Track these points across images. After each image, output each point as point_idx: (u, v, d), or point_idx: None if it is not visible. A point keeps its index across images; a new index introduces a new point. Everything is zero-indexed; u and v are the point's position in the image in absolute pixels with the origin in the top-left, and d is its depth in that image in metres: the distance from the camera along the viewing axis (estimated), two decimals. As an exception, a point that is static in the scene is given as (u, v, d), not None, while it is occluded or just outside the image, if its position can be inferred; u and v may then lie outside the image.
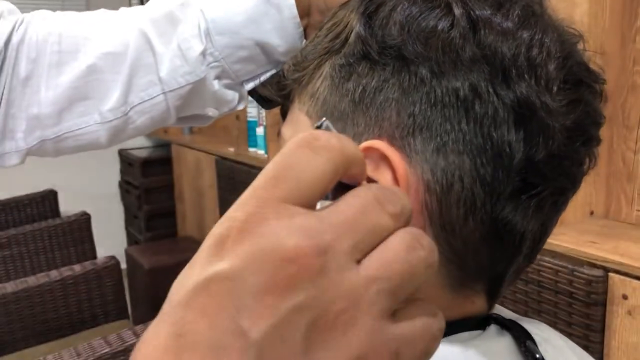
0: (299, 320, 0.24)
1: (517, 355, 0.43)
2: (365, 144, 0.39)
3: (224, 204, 2.83)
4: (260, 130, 2.55)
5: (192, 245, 3.15)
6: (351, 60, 0.42)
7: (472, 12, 0.39)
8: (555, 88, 0.39)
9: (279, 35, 0.63)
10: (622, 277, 1.18)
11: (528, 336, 0.44)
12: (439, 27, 0.39)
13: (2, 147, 0.68)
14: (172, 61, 0.64)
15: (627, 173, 1.39)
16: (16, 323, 2.00)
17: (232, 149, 2.77)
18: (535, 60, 0.39)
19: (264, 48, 0.63)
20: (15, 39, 0.66)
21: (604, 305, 1.21)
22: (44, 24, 0.68)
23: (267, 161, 2.40)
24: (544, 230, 0.44)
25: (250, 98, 0.70)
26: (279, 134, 0.48)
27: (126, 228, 4.00)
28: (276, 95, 0.50)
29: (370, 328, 0.25)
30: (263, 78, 0.67)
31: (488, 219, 0.40)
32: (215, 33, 0.63)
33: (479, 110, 0.38)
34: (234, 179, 2.71)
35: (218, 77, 0.65)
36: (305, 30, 0.64)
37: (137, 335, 1.48)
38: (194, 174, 3.25)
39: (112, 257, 2.22)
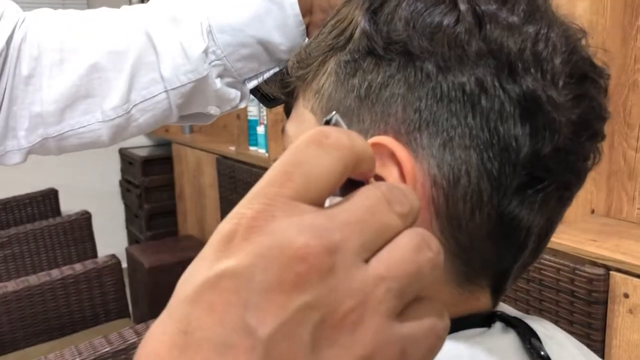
0: (307, 319, 0.24)
1: (522, 353, 0.43)
2: (372, 140, 0.39)
3: (225, 203, 2.83)
4: (261, 129, 2.55)
5: (193, 244, 3.16)
6: (356, 56, 0.42)
7: (477, 7, 0.39)
8: (561, 82, 0.39)
9: (282, 33, 0.63)
10: (623, 276, 1.18)
11: (533, 333, 0.44)
12: (445, 23, 0.39)
13: (4, 146, 0.68)
14: (174, 59, 0.64)
15: (628, 171, 1.39)
16: (17, 322, 2.00)
17: (232, 148, 2.77)
18: (541, 54, 0.39)
19: (266, 46, 0.63)
20: (17, 37, 0.66)
21: (605, 303, 1.21)
22: (46, 23, 0.68)
23: (268, 160, 2.40)
24: (550, 226, 0.44)
25: (251, 96, 0.70)
26: (283, 130, 0.48)
27: (127, 227, 4.00)
28: (280, 92, 0.50)
29: (377, 327, 0.25)
30: (265, 76, 0.67)
31: (494, 214, 0.40)
32: (217, 31, 0.63)
33: (485, 104, 0.38)
34: (234, 178, 2.71)
35: (220, 75, 0.65)
36: (307, 28, 0.64)
37: (138, 334, 1.49)
38: (195, 172, 3.25)
39: (113, 256, 2.22)
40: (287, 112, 0.51)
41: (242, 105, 0.70)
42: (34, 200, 3.09)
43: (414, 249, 0.27)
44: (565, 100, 0.39)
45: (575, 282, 1.23)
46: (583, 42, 0.43)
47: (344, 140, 0.27)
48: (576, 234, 1.31)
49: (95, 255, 2.78)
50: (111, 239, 3.70)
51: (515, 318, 0.45)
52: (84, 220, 2.76)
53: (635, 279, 1.17)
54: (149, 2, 0.68)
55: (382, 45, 0.40)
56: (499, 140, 0.38)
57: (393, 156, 0.38)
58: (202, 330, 0.23)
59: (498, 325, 0.45)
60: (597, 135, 0.43)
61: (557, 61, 0.39)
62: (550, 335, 0.46)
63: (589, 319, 1.22)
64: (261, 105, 2.61)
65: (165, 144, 3.75)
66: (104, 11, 0.69)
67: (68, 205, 3.31)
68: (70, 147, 0.69)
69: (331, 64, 0.44)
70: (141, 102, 0.66)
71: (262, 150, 2.54)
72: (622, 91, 1.37)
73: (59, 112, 0.66)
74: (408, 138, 0.39)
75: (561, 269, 1.25)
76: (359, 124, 0.41)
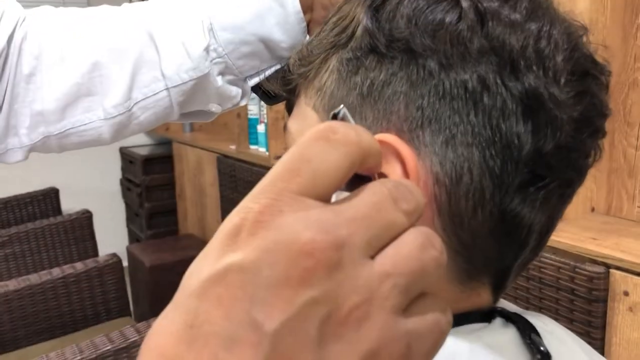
0: (314, 314, 0.24)
1: (522, 348, 0.44)
2: (375, 137, 0.39)
3: (225, 202, 2.84)
4: (261, 128, 2.54)
5: (194, 242, 3.16)
6: (358, 54, 0.42)
7: (479, 5, 0.39)
8: (563, 80, 0.39)
9: (283, 31, 0.63)
10: (623, 274, 1.19)
11: (532, 329, 0.44)
12: (447, 20, 0.39)
13: (6, 144, 0.68)
14: (175, 57, 0.64)
15: (628, 169, 1.39)
16: (19, 321, 2.01)
17: (233, 147, 2.77)
18: (544, 52, 0.39)
19: (267, 43, 0.64)
20: (18, 36, 0.66)
21: (605, 301, 1.21)
22: (47, 21, 0.68)
23: (268, 158, 2.40)
24: (551, 223, 0.44)
25: (252, 95, 0.70)
26: (285, 128, 0.48)
27: (127, 226, 4.00)
28: (282, 90, 0.50)
29: (383, 323, 0.25)
30: (266, 73, 0.67)
31: (496, 211, 0.40)
32: (218, 29, 0.63)
33: (487, 102, 0.38)
34: (235, 176, 2.71)
35: (221, 73, 0.65)
36: (308, 25, 0.64)
37: (139, 332, 1.49)
38: (195, 171, 3.25)
39: (114, 255, 2.22)
40: (289, 109, 0.51)
41: (243, 103, 0.70)
42: (34, 199, 3.09)
43: (420, 247, 0.27)
44: (567, 98, 0.39)
45: (575, 280, 1.23)
46: (584, 39, 0.43)
47: (351, 135, 0.27)
48: (576, 232, 1.31)
49: (96, 254, 2.78)
50: (112, 237, 3.70)
51: (515, 314, 0.46)
52: (85, 219, 2.76)
53: (635, 277, 1.17)
54: (149, 1, 0.68)
55: (384, 42, 0.40)
56: (501, 138, 0.39)
57: (396, 154, 0.38)
58: (209, 324, 0.23)
59: (498, 321, 0.45)
60: (598, 132, 0.43)
61: (559, 58, 0.39)
62: (550, 330, 0.46)
63: (589, 317, 1.22)
64: (262, 103, 2.62)
65: (166, 143, 3.75)
66: (104, 9, 0.70)
67: (69, 204, 3.31)
68: (72, 144, 0.69)
69: (333, 62, 0.44)
70: (142, 99, 0.66)
71: (262, 149, 2.54)
72: (623, 89, 1.37)
73: (60, 110, 0.66)
74: (410, 135, 0.39)
75: (561, 267, 1.25)
76: (361, 121, 0.41)
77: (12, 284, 2.00)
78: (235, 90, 0.67)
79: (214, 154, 2.94)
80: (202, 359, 0.23)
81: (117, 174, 3.97)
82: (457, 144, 0.39)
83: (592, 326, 1.22)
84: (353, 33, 0.43)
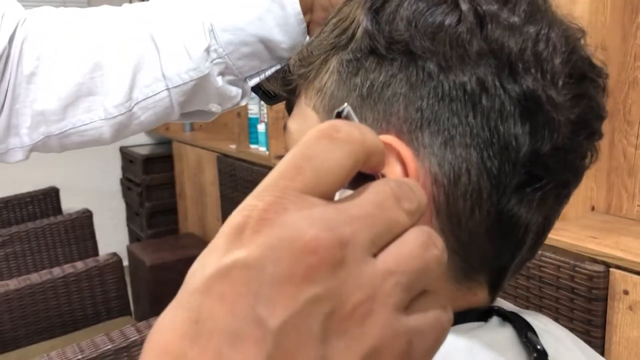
0: (317, 311, 0.24)
1: (519, 346, 0.44)
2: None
3: (226, 201, 2.84)
4: (261, 127, 2.55)
5: (194, 242, 3.17)
6: (358, 56, 0.42)
7: (478, 7, 0.39)
8: (560, 82, 0.40)
9: (283, 32, 0.63)
10: (623, 273, 1.19)
11: (529, 328, 0.45)
12: (446, 22, 0.39)
13: (7, 143, 0.69)
14: (176, 57, 0.64)
15: (628, 168, 1.39)
16: (19, 320, 2.01)
17: (233, 146, 2.77)
18: (542, 54, 0.39)
19: (267, 44, 0.64)
20: (19, 36, 0.66)
21: (605, 300, 1.21)
22: (48, 22, 0.68)
23: (268, 158, 2.40)
24: (547, 223, 0.45)
25: (252, 94, 0.70)
26: (284, 128, 0.49)
27: (128, 225, 4.00)
28: (282, 90, 0.50)
29: (385, 320, 0.26)
30: (267, 74, 0.67)
31: (494, 212, 0.40)
32: (219, 29, 0.63)
33: (486, 104, 0.39)
34: (235, 176, 2.71)
35: (222, 73, 0.65)
36: (308, 26, 0.64)
37: (140, 332, 1.49)
38: (195, 171, 3.25)
39: (114, 254, 2.22)
40: (289, 109, 0.51)
41: (243, 103, 0.70)
42: (35, 199, 3.09)
43: (422, 245, 0.27)
44: (564, 100, 0.40)
45: (575, 279, 1.23)
46: (582, 41, 0.43)
47: (355, 134, 0.27)
48: (576, 231, 1.31)
49: (96, 253, 2.79)
50: (112, 237, 3.71)
51: (512, 313, 0.46)
52: (85, 218, 2.76)
53: (635, 276, 1.17)
54: (150, 1, 0.68)
55: (384, 44, 0.41)
56: (499, 139, 0.39)
57: (397, 155, 0.38)
58: (213, 321, 0.24)
59: (495, 320, 0.45)
60: (595, 134, 0.44)
61: (557, 61, 0.40)
62: (547, 329, 0.47)
63: (588, 315, 1.22)
64: (262, 103, 2.62)
65: (166, 142, 3.76)
66: (105, 10, 0.70)
67: (69, 204, 3.31)
68: (72, 144, 0.69)
69: (333, 63, 0.44)
70: (143, 99, 0.66)
71: (262, 148, 2.54)
72: (622, 88, 1.37)
73: (61, 110, 0.66)
74: (410, 137, 0.40)
75: (561, 266, 1.25)
76: (361, 122, 0.41)
77: (12, 284, 2.00)
78: (236, 91, 0.67)
79: (214, 153, 2.94)
80: (206, 355, 0.23)
81: (117, 174, 3.97)
82: (456, 145, 0.39)
83: (592, 325, 1.22)
84: (353, 35, 0.43)
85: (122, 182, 3.97)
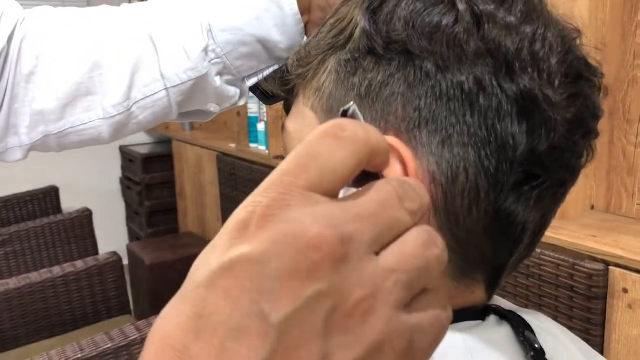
0: (320, 307, 0.24)
1: (516, 345, 0.44)
2: None
3: (225, 200, 2.84)
4: (261, 126, 2.54)
5: (194, 241, 3.17)
6: (357, 56, 0.43)
7: (475, 7, 0.40)
8: (557, 81, 0.40)
9: (280, 32, 0.63)
10: (622, 271, 1.19)
11: (527, 326, 0.45)
12: (444, 23, 0.40)
13: (6, 143, 0.69)
14: (174, 57, 0.64)
15: (627, 167, 1.39)
16: (19, 319, 2.01)
17: (233, 145, 2.77)
18: (538, 54, 0.40)
19: (265, 44, 0.64)
20: (18, 35, 0.66)
21: (605, 298, 1.21)
22: (47, 21, 0.68)
23: (268, 157, 2.40)
24: (544, 221, 0.45)
25: (251, 94, 0.70)
26: (283, 127, 0.49)
27: (127, 224, 4.01)
28: (280, 90, 0.50)
29: (387, 317, 0.26)
30: (265, 74, 0.67)
31: (491, 210, 0.41)
32: (217, 30, 0.63)
33: (483, 103, 0.39)
34: (235, 175, 2.71)
35: (220, 73, 0.65)
36: (306, 26, 0.64)
37: (140, 331, 1.49)
38: (195, 170, 3.25)
39: (114, 253, 2.23)
40: (287, 109, 0.51)
41: (242, 103, 0.70)
42: (35, 198, 3.09)
43: (423, 244, 0.27)
44: (560, 99, 0.40)
45: (574, 278, 1.23)
46: (578, 41, 0.43)
47: (359, 133, 0.28)
48: (576, 230, 1.31)
49: (96, 252, 2.79)
50: (112, 236, 3.71)
51: (510, 311, 0.46)
52: (85, 217, 2.76)
53: (634, 274, 1.17)
54: (149, 1, 0.68)
55: (382, 44, 0.41)
56: (496, 138, 0.39)
57: (397, 154, 0.38)
58: (217, 315, 0.24)
59: (492, 318, 0.46)
60: (591, 133, 0.44)
61: (554, 61, 0.40)
62: (545, 328, 0.47)
63: (588, 314, 1.22)
64: (261, 102, 2.60)
65: (166, 142, 3.76)
66: (104, 9, 0.70)
67: (69, 203, 3.32)
68: (71, 144, 0.69)
69: (331, 63, 0.44)
70: (142, 99, 0.66)
71: (262, 147, 2.54)
72: (622, 87, 1.37)
73: (59, 110, 0.66)
74: (408, 136, 0.40)
75: (561, 264, 1.25)
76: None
77: (12, 282, 2.00)
78: (234, 91, 0.67)
79: (214, 153, 2.94)
80: (210, 349, 0.23)
81: (117, 173, 3.98)
82: (454, 144, 0.39)
83: (591, 323, 1.22)
84: (351, 35, 0.43)
85: (121, 181, 3.97)
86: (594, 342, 1.22)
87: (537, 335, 0.44)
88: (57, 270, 2.09)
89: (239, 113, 2.63)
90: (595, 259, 1.22)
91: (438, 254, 0.28)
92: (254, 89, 0.69)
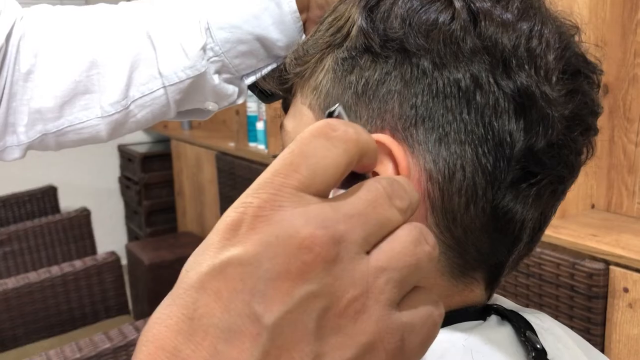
0: (312, 307, 0.25)
1: (518, 345, 0.44)
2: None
3: (225, 199, 2.84)
4: (260, 125, 2.54)
5: (193, 240, 3.16)
6: (353, 54, 0.42)
7: (472, 5, 0.40)
8: (554, 78, 0.40)
9: (279, 30, 0.63)
10: (623, 270, 1.19)
11: (528, 326, 0.45)
12: (440, 20, 0.40)
13: (4, 141, 0.68)
14: (172, 55, 0.64)
15: (628, 166, 1.39)
16: (18, 319, 2.01)
17: (232, 144, 2.77)
18: (535, 51, 0.40)
19: (263, 42, 0.64)
20: (16, 34, 0.66)
21: (605, 298, 1.21)
22: (45, 19, 0.68)
23: (267, 156, 2.40)
24: (544, 219, 0.45)
25: (250, 92, 0.70)
26: (281, 126, 0.49)
27: (126, 224, 4.00)
28: (278, 88, 0.50)
29: (379, 316, 0.26)
30: (263, 72, 0.67)
31: (489, 208, 0.41)
32: (215, 28, 0.63)
33: (480, 100, 0.39)
34: (234, 174, 2.71)
35: (218, 72, 0.65)
36: (304, 24, 0.64)
37: (138, 330, 1.49)
38: (194, 169, 3.25)
39: (113, 253, 2.23)
40: (285, 108, 0.51)
41: (240, 101, 0.70)
42: (33, 198, 3.09)
43: (413, 242, 0.28)
44: (558, 96, 0.40)
45: (575, 277, 1.23)
46: (576, 38, 0.43)
47: (350, 133, 0.28)
48: (576, 229, 1.31)
49: (94, 252, 2.79)
50: (111, 235, 3.71)
51: (511, 311, 0.46)
52: (84, 217, 2.76)
53: (634, 274, 1.17)
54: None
55: (378, 42, 0.41)
56: (493, 136, 0.39)
57: (389, 153, 0.39)
58: (208, 317, 0.24)
59: (494, 319, 0.46)
60: (590, 130, 0.44)
61: (551, 57, 0.40)
62: (546, 327, 0.47)
63: (588, 313, 1.22)
64: (260, 100, 2.60)
65: (165, 141, 3.75)
66: (102, 8, 0.69)
67: (67, 202, 3.31)
68: (69, 142, 0.69)
69: (328, 61, 0.44)
70: (139, 97, 0.66)
71: (261, 146, 2.54)
72: (622, 85, 1.37)
73: (57, 108, 0.66)
74: (404, 134, 0.40)
75: (561, 263, 1.25)
76: (356, 120, 0.42)
77: (11, 282, 2.00)
78: (232, 89, 0.67)
79: (213, 152, 2.94)
80: (201, 352, 0.24)
81: (115, 172, 3.97)
82: (450, 142, 0.39)
83: (591, 323, 1.22)
84: (348, 33, 0.43)
85: (120, 181, 3.96)
86: (594, 341, 1.22)
87: (538, 335, 0.44)
88: (55, 270, 2.09)
89: (238, 112, 2.63)
90: (595, 258, 1.22)
91: (428, 251, 0.28)
92: (253, 87, 0.68)
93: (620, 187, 1.41)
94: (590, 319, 1.22)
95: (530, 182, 0.41)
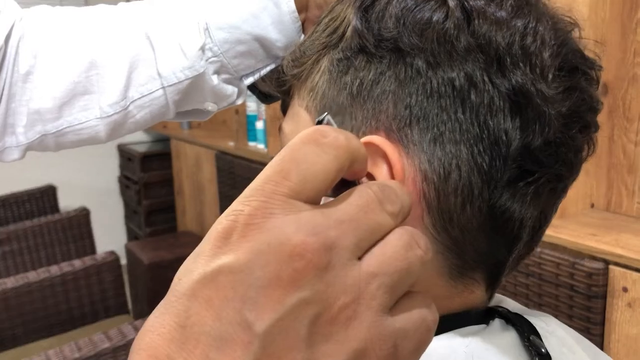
0: (304, 314, 0.24)
1: (522, 350, 0.43)
2: (364, 139, 0.39)
3: (224, 199, 2.83)
4: (260, 125, 2.54)
5: (192, 240, 3.16)
6: (348, 54, 0.42)
7: (466, 3, 0.40)
8: (550, 75, 0.40)
9: (278, 30, 0.63)
10: (622, 270, 1.19)
11: (532, 330, 0.44)
12: (434, 19, 0.39)
13: (3, 142, 0.68)
14: (171, 56, 0.64)
15: (627, 165, 1.39)
16: (17, 318, 2.01)
17: (231, 144, 2.76)
18: (530, 48, 0.39)
19: (262, 43, 0.63)
20: (15, 34, 0.66)
21: (605, 297, 1.21)
22: (44, 20, 0.68)
23: (267, 155, 2.40)
24: (544, 218, 0.45)
25: (249, 92, 0.70)
26: (280, 129, 0.48)
27: (126, 223, 4.00)
28: (276, 90, 0.50)
29: (370, 322, 0.26)
30: (262, 72, 0.67)
31: (485, 207, 0.40)
32: (214, 28, 0.63)
33: (474, 99, 0.39)
34: (233, 173, 2.71)
35: (217, 72, 0.65)
36: (303, 24, 0.64)
37: (138, 330, 1.48)
38: (194, 168, 3.25)
39: (112, 253, 2.22)
40: (284, 110, 0.51)
41: (239, 102, 0.70)
42: (32, 197, 3.08)
43: (404, 246, 0.28)
44: (555, 93, 0.40)
45: (574, 277, 1.23)
46: (574, 34, 0.43)
47: (340, 139, 0.28)
48: (576, 228, 1.31)
49: (94, 251, 2.79)
50: (110, 235, 3.70)
51: (516, 314, 0.45)
52: (83, 216, 2.76)
53: (634, 273, 1.17)
54: (146, 0, 0.68)
55: (373, 42, 0.41)
56: (489, 135, 0.39)
57: (383, 155, 0.38)
58: (200, 325, 0.24)
59: (497, 322, 0.45)
60: (589, 127, 0.43)
61: (546, 54, 0.40)
62: (551, 331, 0.46)
63: (588, 313, 1.22)
64: (260, 101, 2.60)
65: (164, 140, 3.75)
66: (101, 8, 0.69)
67: (67, 202, 3.31)
68: (68, 143, 0.69)
69: (325, 62, 0.44)
70: (138, 98, 0.66)
71: (261, 146, 2.54)
72: (622, 85, 1.37)
73: (57, 109, 0.66)
74: (399, 134, 0.40)
75: (560, 263, 1.25)
76: (351, 121, 0.42)
77: (10, 282, 2.00)
78: (231, 89, 0.67)
79: (213, 151, 2.94)
80: (193, 359, 0.24)
81: (115, 172, 3.97)
82: (445, 142, 0.39)
83: (591, 322, 1.22)
84: (343, 33, 0.43)
85: (120, 180, 3.96)
86: (594, 341, 1.21)
87: (543, 338, 0.44)
88: (55, 269, 2.09)
89: (238, 111, 2.63)
90: (595, 258, 1.22)
91: (420, 255, 0.28)
92: (253, 87, 0.68)
93: (620, 186, 1.41)
94: (589, 318, 1.22)
95: (527, 181, 0.40)
